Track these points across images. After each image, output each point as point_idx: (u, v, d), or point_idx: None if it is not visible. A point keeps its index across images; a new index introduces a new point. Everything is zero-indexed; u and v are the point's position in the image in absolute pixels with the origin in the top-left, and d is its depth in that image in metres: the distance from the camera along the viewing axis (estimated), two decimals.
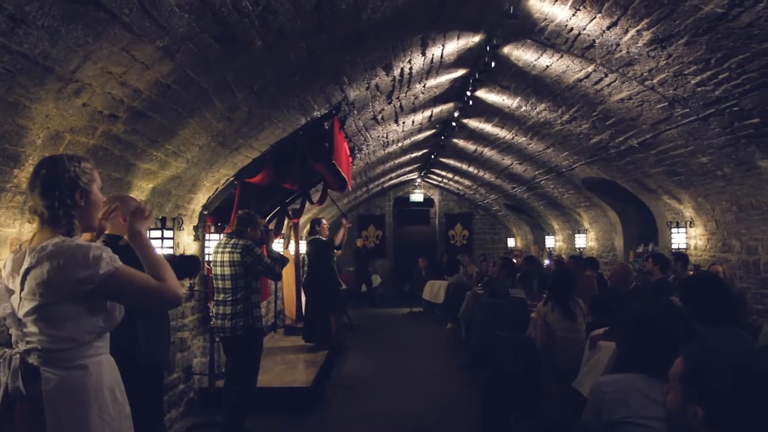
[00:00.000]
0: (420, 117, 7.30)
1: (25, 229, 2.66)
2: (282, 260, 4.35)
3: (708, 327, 2.40)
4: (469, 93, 6.09)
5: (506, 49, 4.83)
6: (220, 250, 4.14)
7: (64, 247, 1.64)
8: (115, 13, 2.11)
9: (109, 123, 2.81)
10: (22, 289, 1.64)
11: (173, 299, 1.82)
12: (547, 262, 10.17)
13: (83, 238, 1.85)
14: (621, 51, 4.03)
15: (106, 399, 1.72)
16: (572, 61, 4.55)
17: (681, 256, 6.19)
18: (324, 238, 7.25)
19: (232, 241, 4.12)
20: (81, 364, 1.68)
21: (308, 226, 10.91)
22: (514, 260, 10.41)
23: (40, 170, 1.73)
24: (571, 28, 3.96)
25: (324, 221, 7.51)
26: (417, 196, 15.46)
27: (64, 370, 1.66)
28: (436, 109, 7.16)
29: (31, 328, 1.65)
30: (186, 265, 3.47)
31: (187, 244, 4.82)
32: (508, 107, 6.43)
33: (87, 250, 1.66)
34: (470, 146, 9.22)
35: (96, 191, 1.82)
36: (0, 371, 1.70)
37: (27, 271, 1.63)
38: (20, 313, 1.66)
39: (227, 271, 4.08)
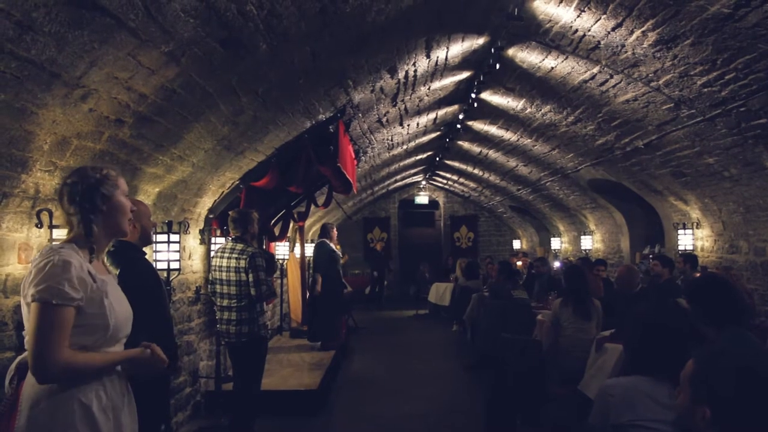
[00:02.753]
0: (425, 119, 7.30)
1: (32, 234, 2.68)
2: (271, 295, 4.29)
3: (715, 329, 2.38)
4: (473, 95, 6.08)
5: (511, 51, 4.82)
6: (226, 255, 4.09)
7: (40, 256, 1.67)
8: (121, 19, 2.13)
9: (115, 128, 2.83)
10: None
11: (34, 370, 1.61)
12: (557, 264, 10.13)
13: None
14: (626, 52, 4.02)
15: (84, 405, 1.66)
16: (577, 63, 4.54)
17: (690, 257, 6.16)
18: (332, 244, 7.43)
19: (239, 247, 4.07)
20: None
21: (315, 228, 10.96)
22: (519, 263, 10.42)
23: (61, 185, 1.81)
24: (576, 30, 3.95)
25: (334, 229, 7.75)
26: (422, 199, 15.46)
27: None
28: (441, 112, 7.16)
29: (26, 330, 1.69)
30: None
31: (193, 248, 4.84)
32: (513, 109, 6.42)
33: (44, 267, 1.62)
34: (475, 148, 9.21)
35: (119, 198, 1.84)
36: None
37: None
38: None
39: (233, 276, 4.04)
